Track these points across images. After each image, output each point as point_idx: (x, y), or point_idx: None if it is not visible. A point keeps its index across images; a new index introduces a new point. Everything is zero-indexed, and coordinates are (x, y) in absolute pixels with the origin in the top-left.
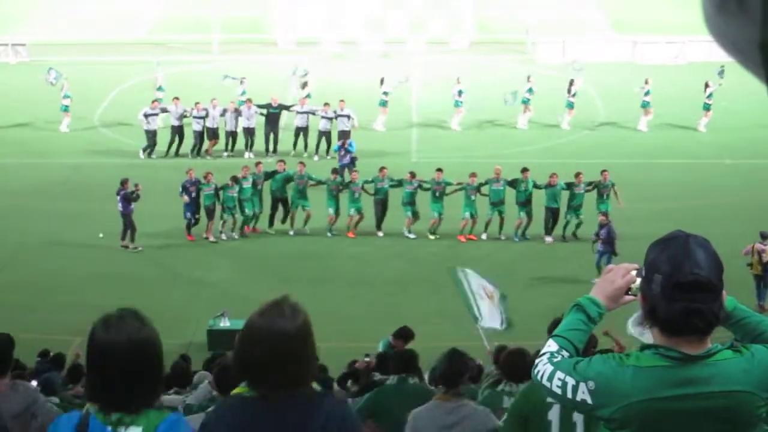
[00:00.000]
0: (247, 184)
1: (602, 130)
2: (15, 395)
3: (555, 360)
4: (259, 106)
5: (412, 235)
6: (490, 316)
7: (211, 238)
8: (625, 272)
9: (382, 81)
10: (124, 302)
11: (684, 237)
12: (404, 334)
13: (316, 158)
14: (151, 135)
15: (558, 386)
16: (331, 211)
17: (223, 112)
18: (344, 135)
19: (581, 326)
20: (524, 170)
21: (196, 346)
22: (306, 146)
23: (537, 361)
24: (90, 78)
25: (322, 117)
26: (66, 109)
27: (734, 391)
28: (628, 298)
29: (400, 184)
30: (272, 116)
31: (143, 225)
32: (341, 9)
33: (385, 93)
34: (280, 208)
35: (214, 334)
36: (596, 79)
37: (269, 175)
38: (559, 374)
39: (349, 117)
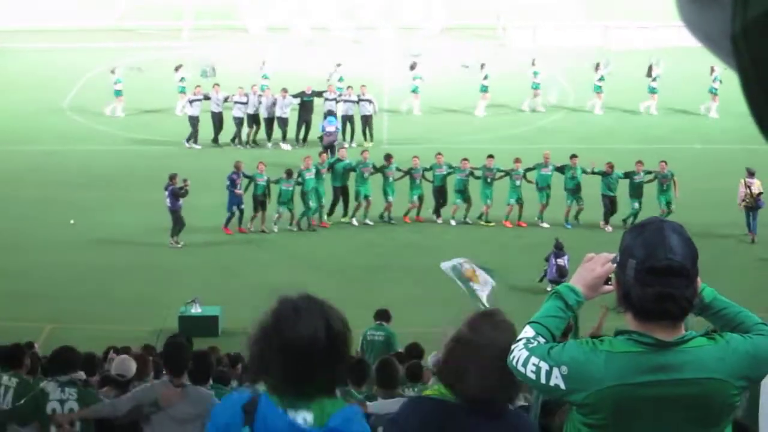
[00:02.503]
0: (310, 176)
1: (574, 114)
2: (186, 401)
3: (530, 346)
4: (294, 96)
5: (453, 222)
6: (483, 287)
7: (257, 228)
8: (605, 261)
9: (412, 66)
10: (95, 291)
11: (659, 222)
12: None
13: (347, 146)
14: (194, 121)
15: (532, 371)
16: (390, 198)
17: (259, 99)
18: (366, 120)
19: (558, 313)
20: (573, 156)
21: (168, 333)
22: (352, 133)
23: (513, 347)
24: (60, 64)
25: (345, 101)
26: (118, 93)
27: (707, 378)
28: (607, 287)
29: (453, 171)
30: (306, 104)
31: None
32: None
33: (418, 78)
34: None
35: (185, 320)
36: (567, 64)
37: (332, 164)
38: (534, 359)
39: (370, 101)
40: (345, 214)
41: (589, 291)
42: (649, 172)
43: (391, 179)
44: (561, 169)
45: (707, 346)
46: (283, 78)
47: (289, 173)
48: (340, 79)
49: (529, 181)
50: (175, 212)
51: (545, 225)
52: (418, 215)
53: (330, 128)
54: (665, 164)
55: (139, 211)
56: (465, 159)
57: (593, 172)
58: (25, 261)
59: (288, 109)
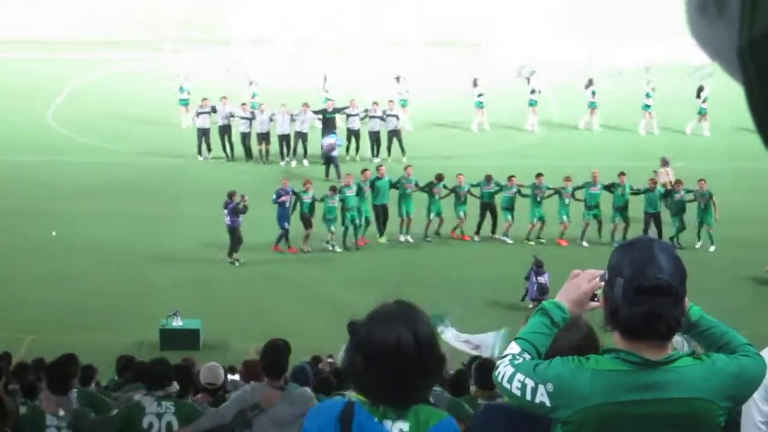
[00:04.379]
0: (351, 193)
1: (559, 130)
2: (286, 402)
3: (516, 362)
4: (315, 112)
5: (509, 240)
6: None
7: (306, 249)
8: (591, 277)
9: (475, 82)
10: (77, 302)
11: (648, 241)
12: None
13: (376, 160)
14: (200, 133)
15: (518, 388)
16: (433, 215)
17: (272, 116)
18: (394, 134)
19: (544, 330)
20: (621, 174)
21: (148, 345)
22: (357, 149)
23: (498, 363)
24: (43, 75)
25: (371, 117)
26: (184, 103)
27: (693, 398)
28: (593, 304)
29: (501, 188)
30: (329, 121)
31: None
32: (296, 7)
33: (480, 95)
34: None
35: (166, 333)
36: (550, 79)
37: (372, 182)
38: (519, 376)
39: (397, 117)
40: (381, 234)
41: (575, 307)
42: (690, 191)
43: (437, 197)
44: (610, 188)
45: (693, 366)
46: (272, 93)
47: (333, 189)
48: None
49: (578, 200)
50: (235, 230)
51: (585, 244)
52: (463, 234)
53: (330, 140)
54: (704, 183)
55: (121, 223)
56: (512, 176)
57: (638, 191)
58: (5, 271)
59: (307, 125)
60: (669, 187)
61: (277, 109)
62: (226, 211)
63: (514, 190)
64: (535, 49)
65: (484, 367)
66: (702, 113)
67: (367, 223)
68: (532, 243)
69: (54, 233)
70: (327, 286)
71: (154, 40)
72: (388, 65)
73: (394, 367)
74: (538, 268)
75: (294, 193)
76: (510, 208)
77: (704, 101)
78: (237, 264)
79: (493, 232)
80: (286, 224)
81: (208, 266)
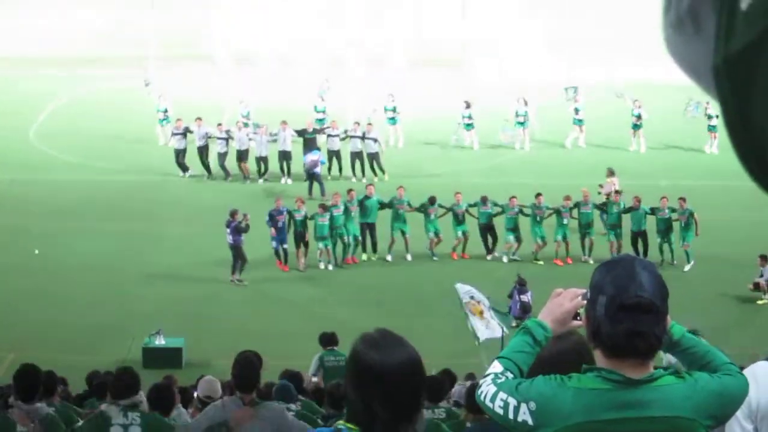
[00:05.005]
0: (338, 212)
1: (539, 148)
2: (257, 420)
3: (498, 381)
4: (296, 131)
5: (514, 257)
6: (485, 328)
7: (301, 267)
8: (573, 296)
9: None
10: (59, 320)
11: (630, 260)
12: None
13: (364, 180)
14: (175, 154)
15: (500, 407)
16: (432, 234)
17: (251, 135)
18: (373, 157)
19: (527, 348)
20: (617, 192)
21: (131, 364)
22: (340, 169)
23: (481, 381)
24: (25, 92)
25: (352, 137)
26: (162, 122)
27: (675, 416)
28: (575, 322)
29: (502, 210)
30: (309, 141)
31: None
32: (278, 26)
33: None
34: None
35: (149, 351)
36: (532, 98)
37: (360, 201)
38: (502, 395)
39: (375, 140)
40: (364, 251)
41: (558, 326)
42: (674, 210)
43: (432, 216)
44: (601, 207)
45: (675, 384)
46: (255, 111)
47: (323, 207)
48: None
49: (574, 218)
50: (237, 248)
51: (591, 261)
52: (464, 252)
53: (312, 157)
54: (684, 201)
55: (103, 241)
56: (513, 197)
57: (626, 210)
58: None
59: (290, 143)
60: (612, 198)
61: (255, 129)
62: (228, 230)
63: (516, 210)
64: (518, 68)
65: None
66: (712, 130)
67: (356, 242)
68: (541, 262)
69: (37, 251)
70: (316, 304)
71: (137, 57)
72: (372, 85)
73: (395, 392)
74: (521, 286)
75: (288, 212)
76: (514, 228)
77: (711, 118)
78: (245, 284)
79: (488, 252)
80: (276, 244)
81: (192, 284)
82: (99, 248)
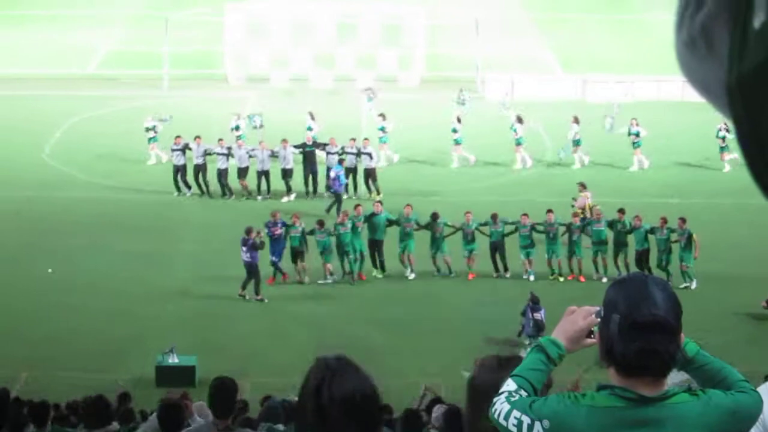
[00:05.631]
0: (345, 230)
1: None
2: None
3: (512, 399)
4: (295, 146)
5: (532, 277)
6: None
7: (306, 281)
8: (587, 314)
9: (458, 119)
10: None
11: (643, 277)
12: None
13: (345, 197)
14: (174, 171)
15: (514, 425)
16: (441, 254)
17: (252, 152)
18: (369, 173)
19: (540, 366)
20: (620, 211)
21: (145, 382)
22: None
23: (495, 399)
24: (40, 112)
25: (347, 153)
26: (154, 140)
27: None
28: (589, 340)
29: (515, 228)
30: (309, 155)
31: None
32: (291, 46)
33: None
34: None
35: (162, 369)
36: (545, 117)
37: (367, 217)
38: (516, 413)
39: (371, 155)
40: (375, 268)
41: (571, 344)
42: (673, 230)
43: (438, 235)
44: (612, 224)
45: (689, 402)
46: (270, 130)
47: (321, 223)
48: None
49: (588, 235)
50: (253, 265)
51: (605, 279)
52: (470, 271)
53: (332, 173)
54: (683, 222)
55: (116, 259)
56: (524, 214)
57: (629, 230)
58: (1, 307)
59: (291, 160)
60: (587, 214)
61: (256, 145)
62: (244, 248)
63: (528, 227)
64: (525, 87)
65: (452, 413)
66: (724, 150)
67: (362, 257)
68: (561, 279)
69: (50, 270)
70: (329, 321)
71: (152, 77)
72: (381, 104)
73: (340, 426)
74: (534, 304)
75: (284, 225)
76: (529, 245)
77: (723, 138)
78: (265, 301)
79: (498, 270)
80: (274, 258)
81: (205, 302)
82: (112, 266)
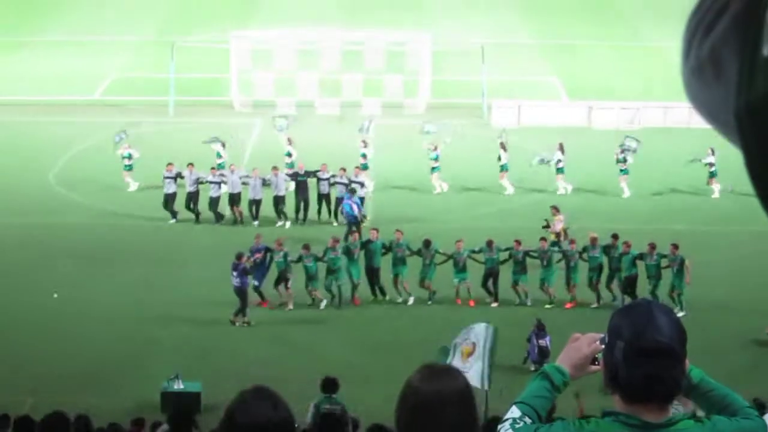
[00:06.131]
0: (335, 254)
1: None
2: None
3: (517, 426)
4: (288, 175)
5: (528, 302)
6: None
7: (290, 306)
8: (591, 341)
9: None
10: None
11: (647, 304)
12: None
13: (335, 224)
14: (164, 199)
15: None
16: (427, 281)
17: (245, 178)
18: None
19: (545, 393)
20: (614, 236)
21: (150, 408)
22: (330, 213)
23: (499, 427)
24: (45, 138)
25: (338, 182)
26: (128, 168)
27: None
28: (594, 367)
29: (510, 257)
30: (301, 183)
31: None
32: (297, 72)
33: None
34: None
35: (167, 396)
36: (549, 143)
37: (364, 244)
38: None
39: (362, 184)
40: (374, 295)
41: (576, 371)
42: (664, 256)
43: (428, 261)
44: (607, 250)
45: (694, 429)
46: (269, 157)
47: (306, 248)
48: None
49: (585, 260)
50: (243, 291)
51: (595, 305)
52: (457, 297)
53: (347, 201)
54: (675, 248)
55: (121, 284)
56: (517, 240)
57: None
58: (6, 333)
59: (283, 187)
60: (561, 237)
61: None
62: (235, 273)
63: (521, 254)
64: (531, 113)
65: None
66: (713, 176)
67: (356, 285)
68: (547, 306)
69: (55, 295)
70: (321, 346)
71: (158, 103)
72: (386, 130)
73: None
74: (539, 330)
75: (267, 249)
76: (522, 271)
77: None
78: (250, 324)
79: (490, 297)
80: (256, 282)
81: (209, 328)
82: (116, 291)
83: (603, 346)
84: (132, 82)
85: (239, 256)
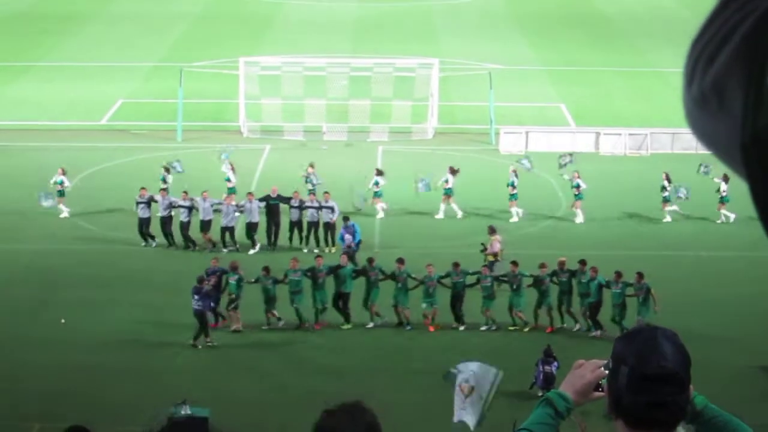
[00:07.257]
0: (296, 276)
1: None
2: None
3: None
4: (260, 200)
5: (489, 327)
6: (461, 410)
7: (236, 327)
8: (595, 367)
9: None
10: (86, 391)
11: (651, 330)
12: None
13: (305, 250)
14: (139, 224)
15: None
16: (402, 306)
17: (216, 206)
18: (327, 227)
19: (548, 420)
20: (582, 262)
21: None
22: (301, 240)
23: None
24: (51, 164)
25: (308, 207)
26: (60, 194)
27: None
28: (597, 394)
29: (477, 281)
30: (273, 208)
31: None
32: (305, 98)
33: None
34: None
35: (176, 423)
36: (555, 168)
37: (333, 269)
38: None
39: (332, 209)
40: (345, 320)
41: (580, 397)
42: (630, 284)
43: (401, 285)
44: (573, 275)
45: None
46: (285, 179)
47: (266, 270)
48: (307, 181)
49: (556, 284)
50: (204, 314)
51: (576, 328)
52: (434, 324)
53: (342, 231)
54: (640, 276)
55: (125, 310)
56: (485, 265)
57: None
58: (13, 360)
59: (257, 214)
60: (498, 258)
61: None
62: (196, 297)
63: (489, 279)
64: (539, 139)
65: None
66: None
67: (323, 309)
68: (526, 329)
69: (63, 321)
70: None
71: (166, 128)
72: (394, 156)
73: None
74: (546, 357)
75: (221, 272)
76: (490, 296)
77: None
78: (212, 344)
79: (457, 322)
80: (212, 303)
81: (216, 353)
82: (122, 318)
83: (607, 372)
84: (140, 107)
85: (200, 280)
